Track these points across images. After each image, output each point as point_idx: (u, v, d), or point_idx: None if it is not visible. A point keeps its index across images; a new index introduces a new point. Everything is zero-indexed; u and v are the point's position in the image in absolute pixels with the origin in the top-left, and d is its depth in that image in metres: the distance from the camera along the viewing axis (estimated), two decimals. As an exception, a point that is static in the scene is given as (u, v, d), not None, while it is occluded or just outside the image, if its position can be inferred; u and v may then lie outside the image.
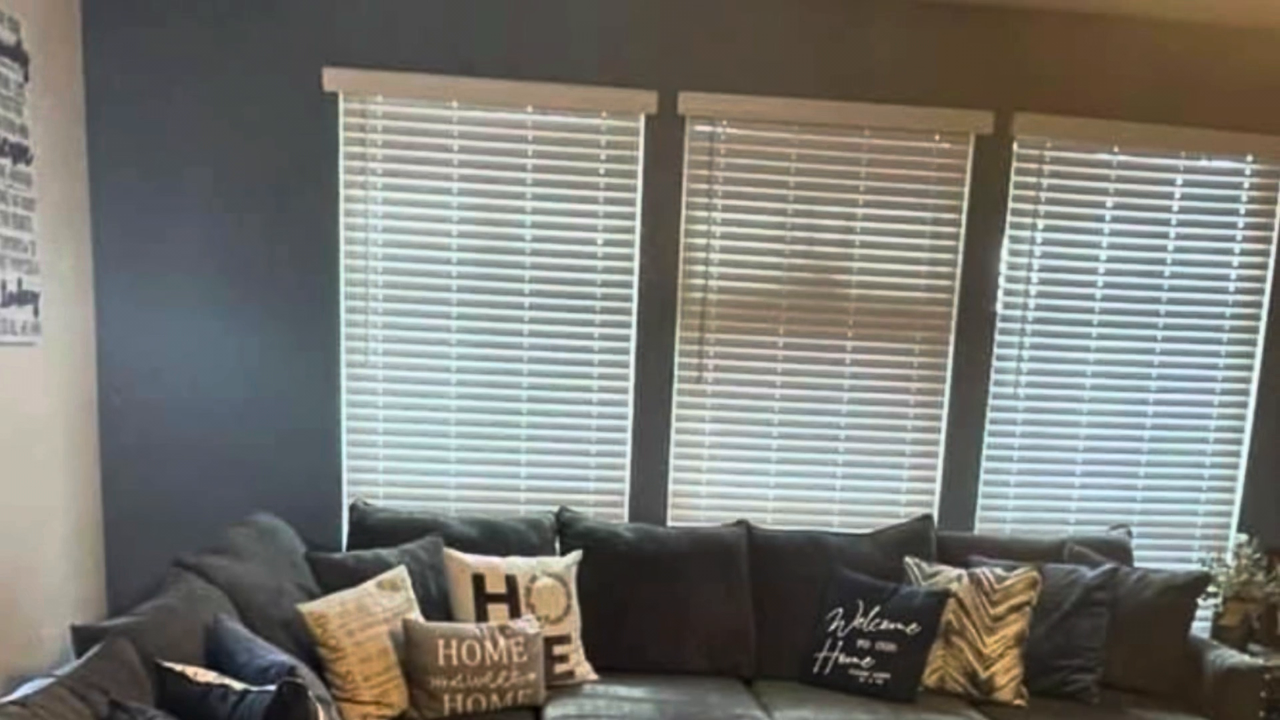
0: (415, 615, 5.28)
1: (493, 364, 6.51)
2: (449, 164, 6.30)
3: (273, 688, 3.70)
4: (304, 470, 6.39)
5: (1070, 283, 6.73)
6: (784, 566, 6.27)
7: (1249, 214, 6.77)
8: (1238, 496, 7.04)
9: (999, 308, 6.69)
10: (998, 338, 6.73)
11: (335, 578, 5.39)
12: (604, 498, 6.69)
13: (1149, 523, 6.96)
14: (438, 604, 5.58)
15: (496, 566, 5.72)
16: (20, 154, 5.26)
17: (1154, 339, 6.83)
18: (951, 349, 6.72)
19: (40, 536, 5.58)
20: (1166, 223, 6.72)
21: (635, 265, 6.47)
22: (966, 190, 6.57)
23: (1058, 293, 6.73)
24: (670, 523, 6.63)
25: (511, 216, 6.37)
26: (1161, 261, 6.75)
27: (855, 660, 5.85)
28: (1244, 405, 6.96)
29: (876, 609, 5.93)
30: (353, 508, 6.16)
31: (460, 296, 6.42)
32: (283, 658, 4.25)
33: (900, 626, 5.82)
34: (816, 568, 6.24)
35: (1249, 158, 6.70)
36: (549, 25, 6.22)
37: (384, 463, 6.53)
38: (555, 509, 6.38)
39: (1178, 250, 6.75)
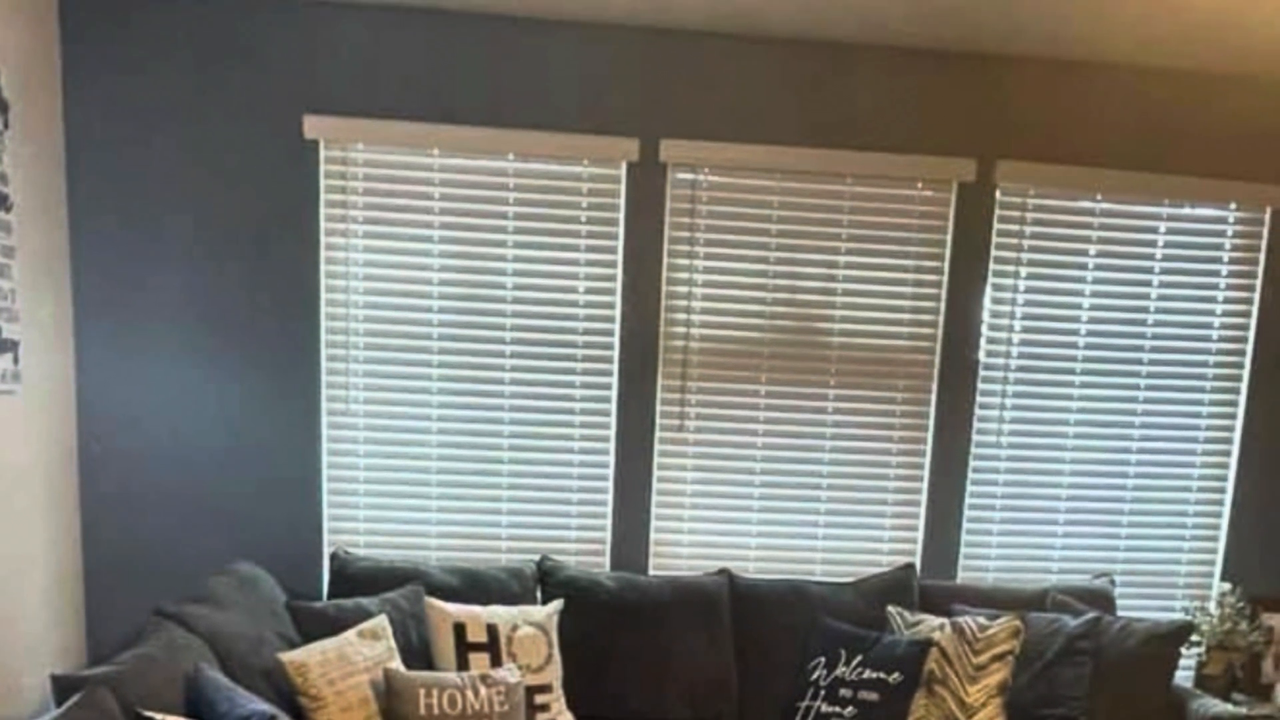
0: (396, 664, 5.41)
1: (474, 412, 6.68)
2: (430, 211, 6.47)
3: (254, 736, 3.86)
4: (285, 519, 6.55)
5: (1053, 330, 6.89)
6: (766, 615, 6.42)
7: (1232, 262, 6.94)
8: (1221, 545, 7.20)
9: (982, 356, 6.87)
10: (980, 386, 6.90)
11: (316, 627, 5.53)
12: (585, 546, 6.86)
13: (1132, 571, 7.13)
14: (419, 653, 5.72)
15: (478, 615, 5.87)
16: (0, 201, 5.46)
17: (1137, 387, 7.01)
18: (934, 397, 6.89)
19: (20, 585, 5.73)
20: (1150, 270, 6.89)
21: (617, 313, 6.63)
22: (949, 238, 6.75)
23: (1041, 340, 6.90)
24: (652, 571, 6.79)
25: (493, 264, 6.52)
26: (1145, 309, 6.91)
27: (837, 709, 6.00)
28: (1227, 454, 7.13)
29: (859, 658, 6.07)
30: (333, 556, 6.31)
31: (441, 344, 6.59)
32: (263, 707, 4.38)
33: (883, 676, 5.97)
34: (799, 616, 6.39)
35: (1232, 205, 6.88)
36: (530, 72, 6.40)
37: (365, 511, 6.69)
38: (537, 557, 6.53)
39: (1161, 298, 6.91)
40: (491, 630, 5.83)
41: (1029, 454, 7.03)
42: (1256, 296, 6.99)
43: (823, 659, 6.17)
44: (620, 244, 6.59)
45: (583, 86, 6.48)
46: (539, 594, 6.36)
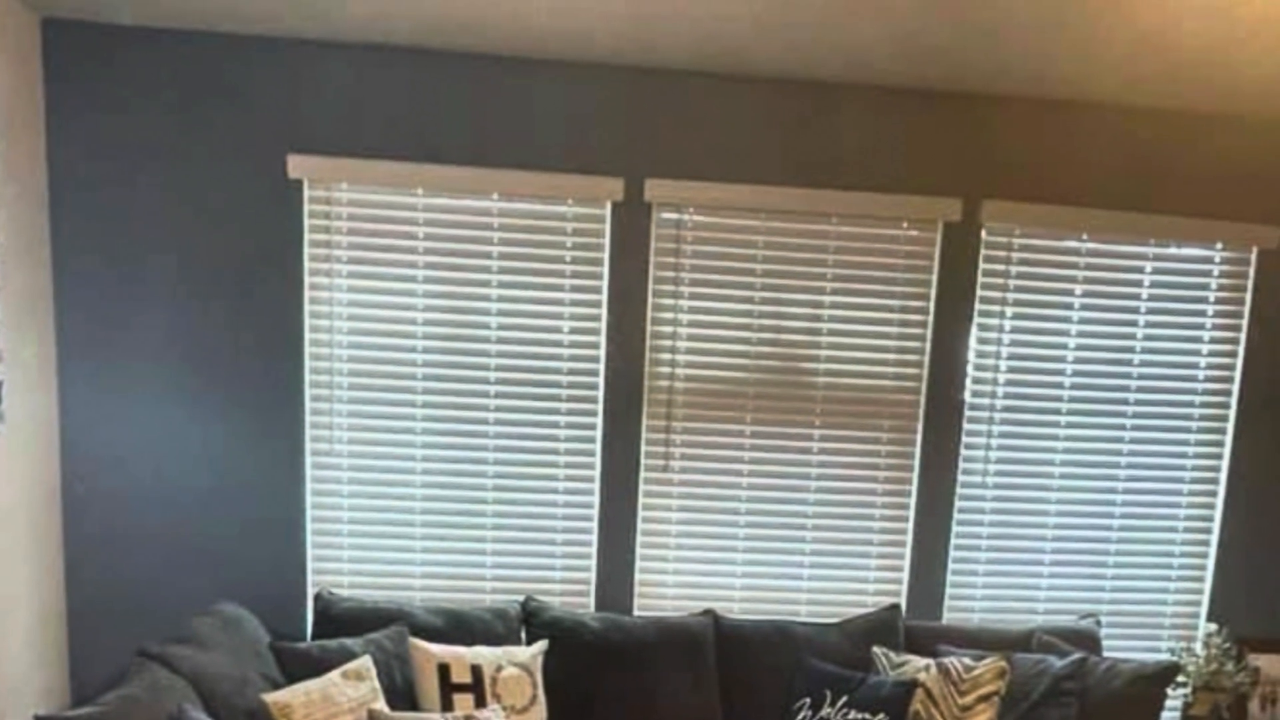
0: (380, 705, 5.55)
1: (458, 452, 6.84)
2: (414, 251, 6.62)
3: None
4: (268, 559, 6.71)
5: (1039, 370, 7.05)
6: (751, 656, 6.58)
7: (1218, 301, 7.09)
8: (1207, 585, 7.37)
9: (967, 396, 7.03)
10: (966, 426, 7.07)
11: (300, 667, 5.66)
12: (570, 586, 7.01)
13: (1118, 612, 7.29)
14: (403, 694, 5.86)
15: (462, 656, 6.02)
16: (-17, 241, 5.60)
17: (1123, 427, 7.17)
18: (919, 437, 7.06)
19: (3, 625, 5.87)
20: (1136, 310, 7.04)
21: (601, 352, 6.77)
22: (934, 277, 6.91)
23: (1026, 380, 7.05)
24: (637, 612, 6.94)
25: (477, 304, 6.66)
26: (1131, 349, 7.07)
27: (823, 750, 6.14)
28: (1213, 494, 7.30)
29: (844, 699, 6.21)
30: (317, 597, 6.45)
31: (425, 384, 6.75)
32: (248, 747, 4.50)
33: (868, 716, 6.09)
34: (784, 657, 6.54)
35: (1218, 245, 7.05)
36: (515, 112, 6.56)
37: (349, 551, 6.84)
38: (521, 598, 6.69)
39: (1147, 338, 7.06)
40: (476, 671, 5.97)
41: (1014, 494, 7.19)
42: (1242, 337, 7.14)
43: (808, 700, 6.31)
44: (605, 283, 6.73)
45: (568, 126, 6.62)
46: (523, 634, 6.50)
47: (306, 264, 6.55)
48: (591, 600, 7.02)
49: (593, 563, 7.02)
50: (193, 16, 6.08)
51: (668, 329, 6.84)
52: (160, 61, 6.32)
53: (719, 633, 6.65)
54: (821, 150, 6.76)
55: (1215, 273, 7.11)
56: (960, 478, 7.12)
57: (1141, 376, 7.13)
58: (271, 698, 5.24)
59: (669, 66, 6.55)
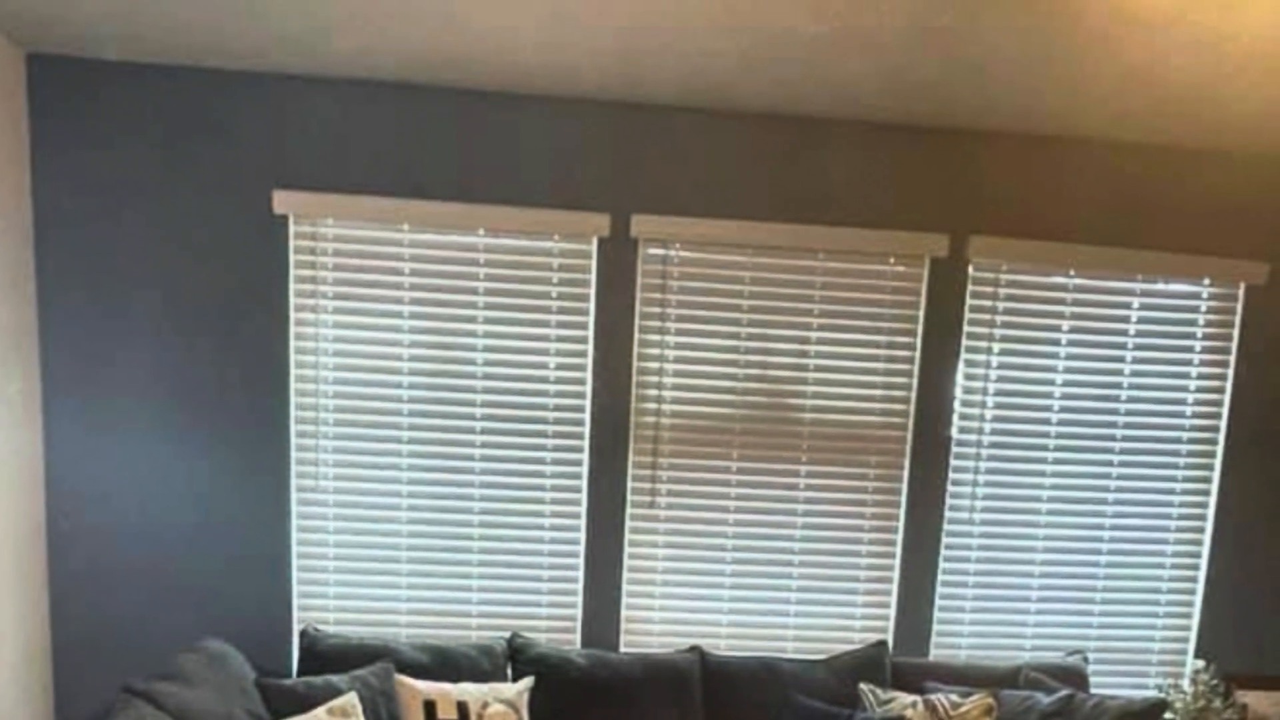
0: None
1: (444, 488, 6.98)
2: (400, 287, 6.75)
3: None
4: (254, 595, 6.85)
5: (1026, 406, 7.20)
6: (737, 693, 6.71)
7: (1206, 337, 7.24)
8: (1195, 622, 7.52)
9: (954, 432, 7.19)
10: (953, 462, 7.21)
11: (285, 704, 5.80)
12: (556, 623, 7.16)
13: (1105, 648, 7.45)
14: None
15: (448, 693, 6.16)
16: (-31, 278, 5.73)
17: (1110, 463, 7.31)
18: (906, 473, 7.20)
19: None
20: (1123, 346, 7.18)
21: (588, 388, 6.91)
22: (921, 313, 7.04)
23: (1013, 416, 7.21)
24: (623, 648, 7.09)
25: (463, 340, 6.80)
26: (1118, 385, 7.23)
27: (809, 787, 6.26)
28: (1201, 530, 7.46)
29: None
30: (303, 633, 6.60)
31: (411, 420, 6.89)
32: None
33: None
34: (770, 694, 6.67)
35: (1206, 280, 7.20)
36: (501, 147, 6.69)
37: (335, 588, 6.99)
38: (507, 634, 6.85)
39: (1134, 374, 7.22)
40: (462, 708, 6.10)
41: (1002, 530, 7.34)
42: (1230, 373, 7.29)
43: (794, 736, 6.40)
44: (591, 319, 6.86)
45: (554, 161, 6.74)
46: (509, 671, 6.64)
47: (292, 299, 6.67)
48: (578, 636, 7.15)
49: (579, 599, 7.15)
50: (178, 52, 6.20)
51: (654, 365, 6.97)
52: (145, 97, 6.45)
53: (705, 669, 6.78)
54: (808, 186, 6.89)
55: (1203, 309, 7.24)
56: (947, 513, 7.26)
57: (1129, 412, 7.27)
58: (257, 735, 5.31)
59: (656, 102, 6.68)
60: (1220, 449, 7.36)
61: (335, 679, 6.05)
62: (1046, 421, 7.24)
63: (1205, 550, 7.45)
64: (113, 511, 6.69)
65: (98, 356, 6.59)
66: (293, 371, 6.74)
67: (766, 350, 7.03)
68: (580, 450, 7.01)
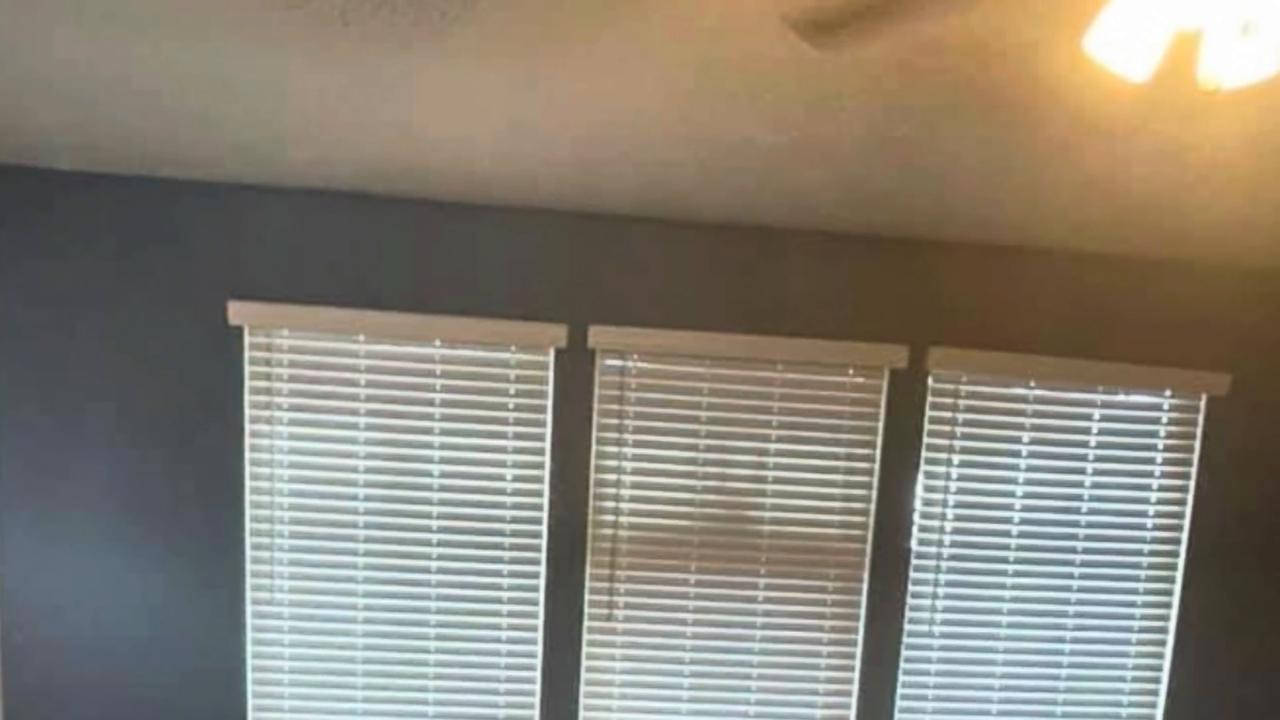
0: None
1: (400, 600, 7.03)
2: (356, 398, 6.83)
3: None
4: (209, 710, 6.91)
5: (986, 518, 7.26)
6: None
7: (1167, 449, 7.33)
8: None
9: (914, 543, 7.24)
10: (912, 574, 7.26)
11: None
12: None
13: None
14: None
15: None
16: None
17: (1071, 575, 7.37)
18: (865, 585, 7.26)
19: None
20: (1084, 457, 7.24)
21: (545, 500, 6.98)
22: (881, 424, 7.12)
23: (973, 528, 7.28)
24: None
25: (419, 451, 6.86)
26: (1079, 497, 7.29)
27: None
28: (1162, 643, 7.51)
29: None
30: None
31: (368, 533, 6.95)
32: None
33: None
34: None
35: (1167, 392, 7.27)
36: (457, 257, 6.77)
37: (290, 700, 7.03)
38: None
39: (1095, 485, 7.29)
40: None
41: (962, 643, 7.39)
42: (1192, 484, 7.37)
43: None
44: (548, 430, 6.93)
45: (510, 271, 6.82)
46: (465, 785, 6.62)
47: (247, 411, 6.75)
48: (535, 749, 7.16)
49: (536, 713, 7.17)
50: (132, 162, 6.27)
51: (611, 476, 7.04)
52: (99, 207, 6.52)
53: (662, 784, 6.74)
54: (767, 296, 6.97)
55: (1164, 420, 7.33)
56: (906, 625, 7.31)
57: (1090, 524, 7.34)
58: None
59: (613, 212, 6.76)
60: (1182, 561, 7.43)
61: (289, 797, 6.00)
62: (1007, 533, 7.32)
63: (1166, 663, 7.51)
64: (67, 625, 6.76)
65: (51, 469, 6.65)
66: (248, 483, 6.81)
67: (725, 461, 7.09)
68: (537, 562, 7.07)
